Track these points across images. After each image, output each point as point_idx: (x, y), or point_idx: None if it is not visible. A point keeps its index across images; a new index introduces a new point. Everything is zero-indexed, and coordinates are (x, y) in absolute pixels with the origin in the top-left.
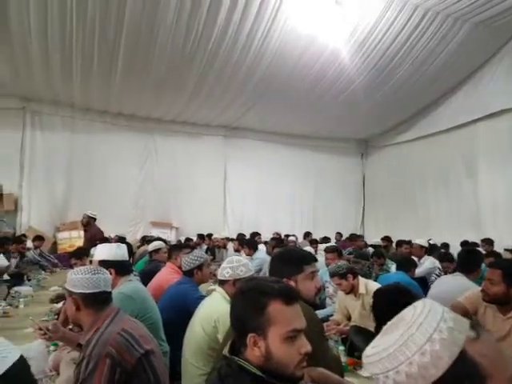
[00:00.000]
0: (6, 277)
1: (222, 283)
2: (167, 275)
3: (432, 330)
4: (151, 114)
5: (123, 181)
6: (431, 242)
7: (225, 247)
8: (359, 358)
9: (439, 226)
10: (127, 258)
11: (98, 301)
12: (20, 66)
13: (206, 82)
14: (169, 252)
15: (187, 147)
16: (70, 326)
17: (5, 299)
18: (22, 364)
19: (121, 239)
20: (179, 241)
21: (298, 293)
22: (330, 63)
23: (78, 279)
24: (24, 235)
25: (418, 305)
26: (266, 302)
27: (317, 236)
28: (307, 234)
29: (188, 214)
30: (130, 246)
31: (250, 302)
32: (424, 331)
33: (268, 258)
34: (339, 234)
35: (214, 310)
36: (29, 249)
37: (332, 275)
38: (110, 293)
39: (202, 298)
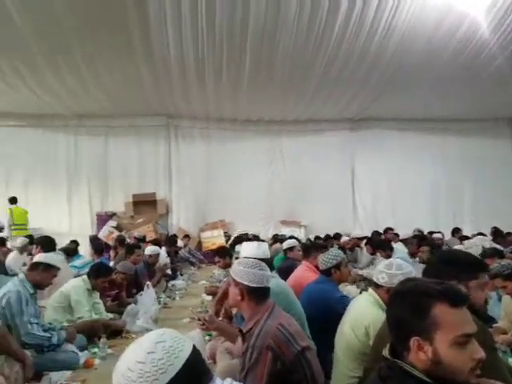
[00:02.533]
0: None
1: (376, 286)
2: (304, 273)
3: None
4: (276, 116)
5: (253, 182)
6: None
7: (358, 246)
8: None
9: None
10: (268, 256)
11: (260, 294)
12: (163, 88)
13: (329, 77)
14: (306, 251)
15: (312, 145)
16: (221, 318)
17: (164, 291)
18: (196, 354)
19: (255, 237)
20: (308, 239)
21: (466, 296)
22: (469, 37)
23: (245, 272)
24: (175, 235)
25: None
26: (430, 305)
27: (466, 233)
28: (456, 231)
29: (316, 212)
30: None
31: (410, 304)
32: None
33: (409, 259)
34: (496, 230)
35: (364, 315)
36: (180, 247)
37: (494, 276)
38: (270, 288)
39: (344, 297)
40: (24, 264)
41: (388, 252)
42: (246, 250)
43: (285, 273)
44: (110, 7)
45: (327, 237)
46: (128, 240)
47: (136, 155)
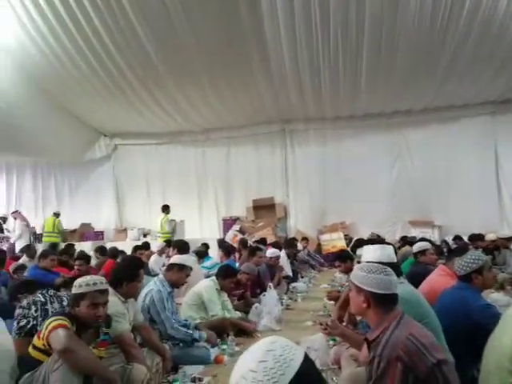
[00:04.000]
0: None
1: None
2: (439, 278)
3: None
4: (399, 107)
5: (376, 181)
6: None
7: (507, 247)
8: None
9: None
10: (394, 260)
11: (388, 301)
12: (279, 94)
13: (461, 57)
14: (441, 253)
15: (443, 135)
16: (344, 323)
17: (285, 293)
18: (308, 363)
19: (380, 240)
20: (444, 241)
21: None
22: None
23: (370, 278)
24: (295, 238)
25: None
26: None
27: None
28: None
29: (452, 210)
30: (393, 248)
31: None
32: None
33: None
34: None
35: None
36: (299, 250)
37: None
38: (397, 294)
39: (487, 305)
40: (163, 265)
41: None
42: (367, 253)
43: (415, 279)
44: (229, 31)
45: (472, 237)
46: (250, 243)
47: (255, 162)
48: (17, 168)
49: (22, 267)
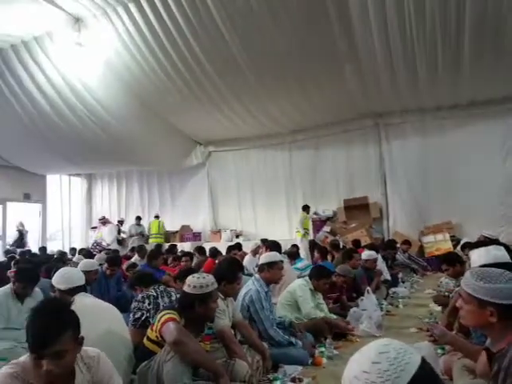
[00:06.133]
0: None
1: None
2: None
3: None
4: (511, 92)
5: (484, 177)
6: None
7: None
8: None
9: None
10: (510, 261)
11: None
12: (369, 86)
13: None
14: None
15: None
16: (454, 332)
17: (385, 298)
18: (426, 368)
19: (495, 241)
20: None
21: None
22: None
23: (493, 288)
24: (394, 240)
25: None
26: None
27: None
28: None
29: None
30: (509, 250)
31: None
32: None
33: None
34: None
35: None
36: (398, 252)
37: None
38: None
39: None
40: (256, 265)
41: None
42: (478, 256)
43: None
44: (316, 25)
45: None
46: (341, 244)
47: (345, 160)
48: (125, 176)
49: (134, 265)
